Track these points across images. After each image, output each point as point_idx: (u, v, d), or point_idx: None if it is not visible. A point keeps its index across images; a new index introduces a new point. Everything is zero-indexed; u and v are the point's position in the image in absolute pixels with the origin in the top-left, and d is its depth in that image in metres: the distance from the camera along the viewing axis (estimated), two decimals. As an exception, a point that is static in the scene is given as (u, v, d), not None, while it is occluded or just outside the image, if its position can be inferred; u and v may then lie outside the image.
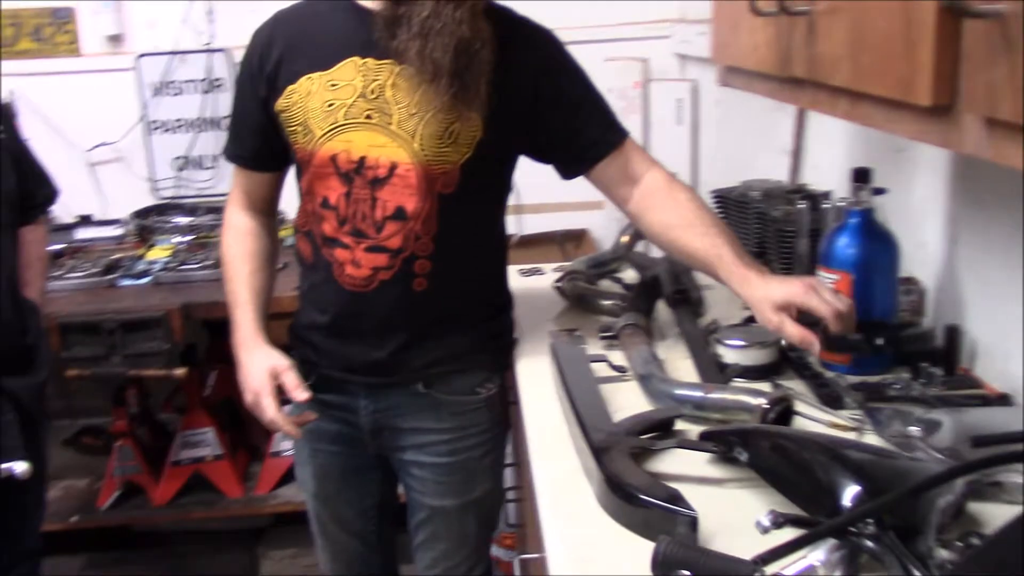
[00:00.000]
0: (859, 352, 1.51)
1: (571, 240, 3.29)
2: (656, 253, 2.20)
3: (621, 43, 3.23)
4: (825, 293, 1.44)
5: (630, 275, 2.15)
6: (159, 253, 3.08)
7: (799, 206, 1.87)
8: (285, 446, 2.95)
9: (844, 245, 1.60)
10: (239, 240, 1.82)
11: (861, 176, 1.58)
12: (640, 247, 2.24)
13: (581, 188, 1.77)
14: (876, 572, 1.03)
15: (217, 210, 3.27)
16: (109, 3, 3.14)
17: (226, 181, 3.26)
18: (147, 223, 3.19)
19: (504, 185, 1.73)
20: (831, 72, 1.03)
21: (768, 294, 1.45)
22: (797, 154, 2.33)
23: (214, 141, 3.27)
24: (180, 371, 2.60)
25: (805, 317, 1.43)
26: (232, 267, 1.80)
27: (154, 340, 2.59)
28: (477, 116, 1.56)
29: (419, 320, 1.65)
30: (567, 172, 1.71)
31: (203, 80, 3.23)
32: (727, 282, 1.54)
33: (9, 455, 2.02)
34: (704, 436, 1.32)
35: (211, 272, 2.81)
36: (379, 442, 1.75)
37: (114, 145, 3.28)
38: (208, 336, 3.04)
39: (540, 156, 1.71)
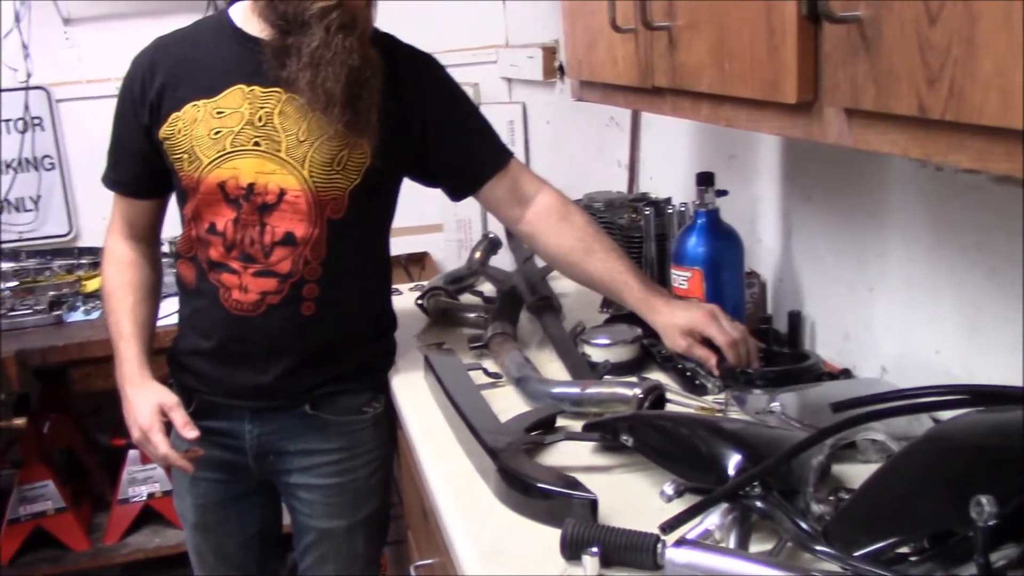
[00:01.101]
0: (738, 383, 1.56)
1: (414, 263, 3.34)
2: (510, 266, 2.29)
3: (452, 69, 3.30)
4: (723, 321, 1.55)
5: (487, 288, 2.22)
6: (-18, 301, 2.93)
7: (644, 213, 1.99)
8: (132, 492, 2.85)
9: (693, 244, 1.72)
10: (121, 271, 1.79)
11: (705, 180, 1.71)
12: (492, 261, 2.32)
13: (419, 212, 1.83)
14: (764, 531, 1.13)
15: (40, 254, 3.14)
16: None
17: (49, 224, 3.19)
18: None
19: (391, 208, 1.77)
20: (694, 80, 1.13)
21: (674, 321, 1.57)
22: (633, 166, 2.47)
23: (34, 182, 3.14)
24: (20, 421, 2.47)
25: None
26: (114, 299, 1.78)
27: (-11, 389, 2.46)
28: (366, 143, 1.59)
29: (307, 343, 1.66)
30: (455, 193, 1.76)
31: (20, 119, 3.10)
32: (634, 308, 1.64)
33: None
34: (588, 428, 1.40)
35: (42, 317, 2.70)
36: (264, 467, 1.74)
37: (-76, 190, 3.10)
38: (41, 384, 2.90)
39: (428, 179, 1.76)
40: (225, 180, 1.60)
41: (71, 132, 3.15)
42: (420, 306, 2.08)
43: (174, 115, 1.63)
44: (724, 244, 1.72)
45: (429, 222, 3.27)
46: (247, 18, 1.63)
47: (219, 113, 1.61)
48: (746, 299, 1.79)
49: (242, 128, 1.59)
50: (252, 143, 1.59)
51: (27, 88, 3.07)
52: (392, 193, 1.76)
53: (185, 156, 1.63)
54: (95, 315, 2.74)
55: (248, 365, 1.67)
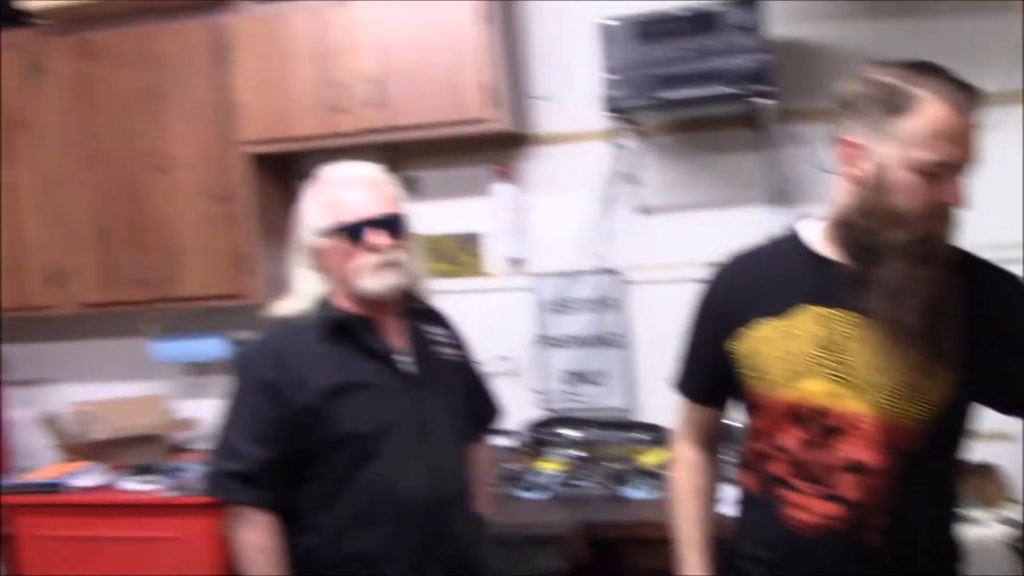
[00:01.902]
0: None
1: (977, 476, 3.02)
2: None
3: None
4: None
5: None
6: (551, 466, 3.18)
7: None
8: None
9: None
10: (687, 475, 1.88)
11: None
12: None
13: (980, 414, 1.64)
14: None
15: (603, 424, 3.35)
16: (514, 229, 3.40)
17: (614, 397, 3.40)
18: (539, 435, 3.32)
19: (966, 437, 1.66)
20: None
21: None
22: None
23: (604, 358, 3.38)
24: (575, 594, 2.62)
25: None
26: (681, 503, 1.86)
27: (556, 558, 2.63)
28: (944, 373, 1.54)
29: (868, 573, 1.60)
30: None
31: (596, 299, 3.38)
32: None
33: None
34: None
35: (605, 491, 2.86)
36: None
37: (511, 359, 3.48)
38: (595, 556, 3.05)
39: (1009, 409, 1.64)
40: (795, 401, 1.61)
41: (639, 313, 3.37)
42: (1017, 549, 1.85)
43: (745, 331, 1.68)
44: None
45: (993, 428, 2.95)
46: (821, 239, 1.65)
47: (790, 333, 1.63)
48: None
49: (813, 350, 1.60)
50: (824, 366, 1.59)
51: (605, 272, 3.35)
52: (968, 422, 1.65)
53: (755, 373, 1.66)
54: (651, 493, 2.84)
55: None
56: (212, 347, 3.66)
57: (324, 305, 2.07)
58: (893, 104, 1.53)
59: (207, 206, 3.40)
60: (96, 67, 3.44)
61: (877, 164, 1.55)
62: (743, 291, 1.72)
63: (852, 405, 1.57)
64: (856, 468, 1.57)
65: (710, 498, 1.87)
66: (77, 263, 3.54)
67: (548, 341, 3.45)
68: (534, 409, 3.48)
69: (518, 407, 3.46)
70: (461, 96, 3.10)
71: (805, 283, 1.64)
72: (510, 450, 3.32)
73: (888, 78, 1.56)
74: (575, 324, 3.42)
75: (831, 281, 1.60)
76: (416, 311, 2.17)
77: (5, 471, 3.73)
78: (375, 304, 2.07)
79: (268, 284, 3.36)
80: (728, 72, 2.72)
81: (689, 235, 3.29)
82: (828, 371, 1.59)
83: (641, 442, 3.23)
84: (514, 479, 3.04)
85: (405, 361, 2.08)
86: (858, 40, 3.07)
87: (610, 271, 3.35)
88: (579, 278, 3.40)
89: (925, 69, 1.56)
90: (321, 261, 2.07)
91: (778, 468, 1.65)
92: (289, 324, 2.06)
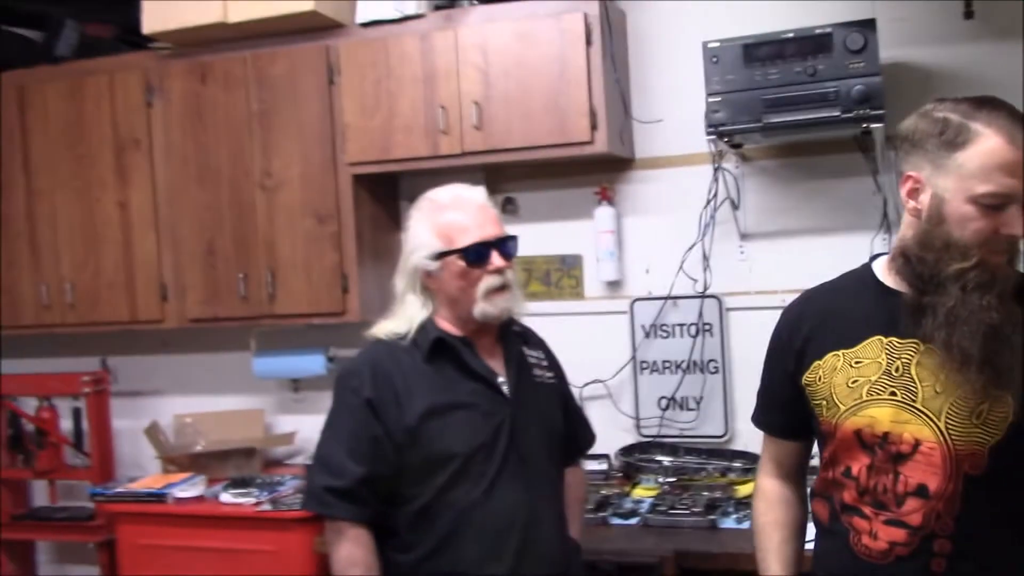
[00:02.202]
0: None
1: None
2: None
3: None
4: None
5: None
6: (644, 492, 3.14)
7: None
8: None
9: None
10: (769, 508, 1.92)
11: None
12: None
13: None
14: None
15: (698, 451, 3.30)
16: (613, 252, 3.38)
17: (709, 424, 3.35)
18: (632, 461, 3.28)
19: None
20: None
21: None
22: None
23: (699, 383, 3.34)
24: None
25: None
26: (763, 536, 1.91)
27: (647, 586, 2.59)
28: (1009, 397, 1.59)
29: None
30: None
31: (693, 324, 3.34)
32: None
33: None
34: None
35: (697, 520, 2.80)
36: None
37: (605, 382, 3.45)
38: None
39: None
40: (861, 427, 1.67)
41: (737, 339, 3.32)
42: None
43: (816, 363, 1.75)
44: None
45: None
46: (887, 271, 1.74)
47: (857, 363, 1.70)
48: None
49: (879, 378, 1.67)
50: (888, 392, 1.65)
51: (703, 296, 3.31)
52: None
53: (824, 402, 1.73)
54: (746, 524, 2.78)
55: None
56: (312, 363, 3.72)
57: (425, 327, 2.08)
58: (950, 138, 1.60)
59: (311, 225, 3.47)
60: (209, 89, 3.55)
61: (934, 196, 1.62)
62: (815, 325, 1.78)
63: (916, 430, 1.62)
64: (920, 493, 1.62)
65: (792, 531, 1.91)
66: (185, 279, 3.64)
67: (644, 365, 3.42)
68: (628, 434, 3.44)
69: (613, 432, 3.45)
70: (564, 118, 3.11)
71: (873, 314, 1.71)
72: (604, 475, 3.29)
73: (947, 113, 1.63)
74: (672, 349, 3.38)
75: (896, 311, 1.67)
76: (513, 333, 2.19)
77: (110, 480, 3.84)
78: (479, 326, 2.09)
79: (367, 303, 3.41)
80: (838, 95, 2.67)
81: (790, 262, 3.24)
82: (892, 397, 1.65)
83: (736, 470, 3.17)
84: (607, 504, 3.01)
85: (503, 382, 2.10)
86: (967, 62, 3.01)
87: (708, 296, 3.31)
88: (677, 303, 3.36)
89: (985, 103, 1.62)
90: (430, 283, 2.09)
91: (847, 496, 1.70)
92: (389, 344, 2.08)
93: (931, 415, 1.62)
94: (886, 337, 1.68)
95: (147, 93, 3.65)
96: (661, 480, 3.18)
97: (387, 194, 3.62)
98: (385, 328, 2.12)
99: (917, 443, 1.62)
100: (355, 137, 3.36)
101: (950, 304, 1.58)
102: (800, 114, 2.73)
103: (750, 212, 3.28)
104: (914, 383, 1.63)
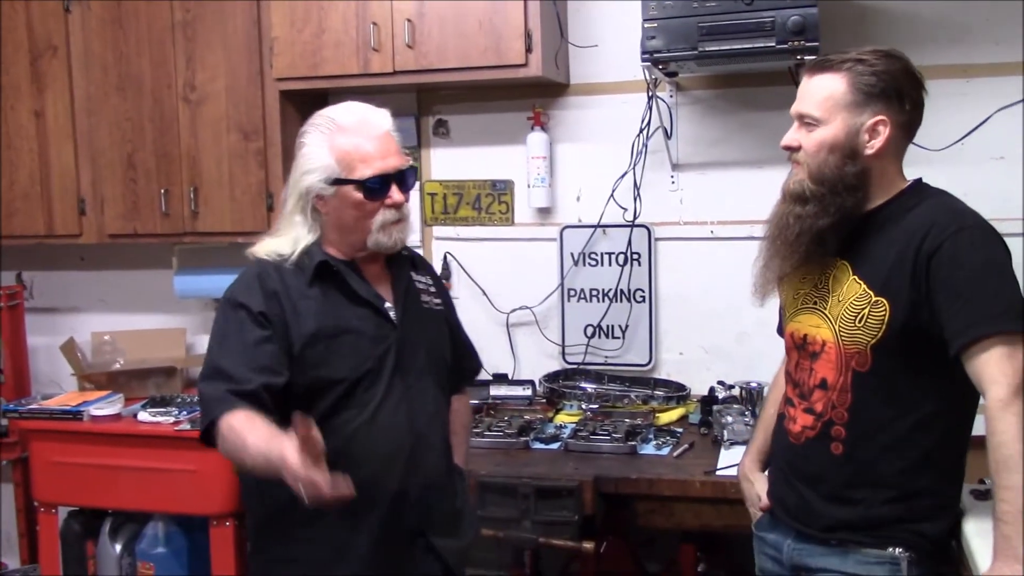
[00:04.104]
0: None
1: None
2: None
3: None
4: None
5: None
6: (567, 418, 3.16)
7: None
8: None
9: None
10: (777, 390, 2.19)
11: None
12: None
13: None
14: None
15: (622, 379, 3.33)
16: (544, 178, 3.35)
17: (634, 352, 3.37)
18: (556, 387, 3.30)
19: (929, 368, 1.80)
20: None
21: None
22: None
23: (626, 312, 3.35)
24: (588, 545, 2.60)
25: None
26: (763, 415, 2.27)
27: (565, 510, 2.61)
28: (885, 302, 1.81)
29: (836, 480, 1.89)
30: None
31: (622, 253, 3.34)
32: None
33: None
34: None
35: (618, 445, 2.83)
36: None
37: (532, 309, 3.45)
38: (605, 506, 3.03)
39: (939, 343, 1.77)
40: (793, 331, 2.01)
41: (664, 269, 3.33)
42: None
43: (785, 278, 2.03)
44: None
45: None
46: None
47: (803, 278, 1.99)
48: None
49: (809, 290, 1.97)
50: (812, 302, 1.95)
51: (632, 225, 3.30)
52: (928, 355, 1.79)
53: (782, 311, 2.11)
54: (665, 451, 2.82)
55: (792, 488, 1.97)
56: None
57: (310, 251, 1.99)
58: None
59: (236, 141, 3.38)
60: (130, -6, 3.42)
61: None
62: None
63: (823, 333, 1.90)
64: (822, 386, 1.90)
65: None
66: (104, 193, 3.53)
67: (572, 293, 3.42)
68: (554, 361, 3.46)
69: (538, 358, 3.47)
70: (498, 40, 3.04)
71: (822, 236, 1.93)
72: (528, 401, 3.30)
73: None
74: (600, 277, 3.38)
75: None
76: (402, 258, 2.13)
77: (24, 396, 3.75)
78: (369, 253, 2.03)
79: (276, 228, 3.33)
80: (774, 25, 2.64)
81: (720, 193, 3.25)
82: (814, 306, 1.94)
83: (658, 398, 3.21)
84: (529, 429, 3.02)
85: (390, 308, 2.04)
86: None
87: (638, 225, 3.30)
88: (606, 231, 3.35)
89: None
90: (321, 207, 1.99)
91: (788, 388, 2.02)
92: (274, 264, 1.99)
93: (832, 319, 1.88)
94: (832, 257, 1.92)
95: (65, -2, 3.50)
96: (584, 407, 3.20)
97: (316, 110, 3.51)
98: (268, 247, 2.02)
99: (824, 343, 1.90)
100: (283, 51, 3.25)
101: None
102: (736, 43, 2.69)
103: (683, 142, 3.27)
104: (828, 294, 1.91)
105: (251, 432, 1.78)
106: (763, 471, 2.17)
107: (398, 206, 1.98)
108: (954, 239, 1.76)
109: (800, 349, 1.96)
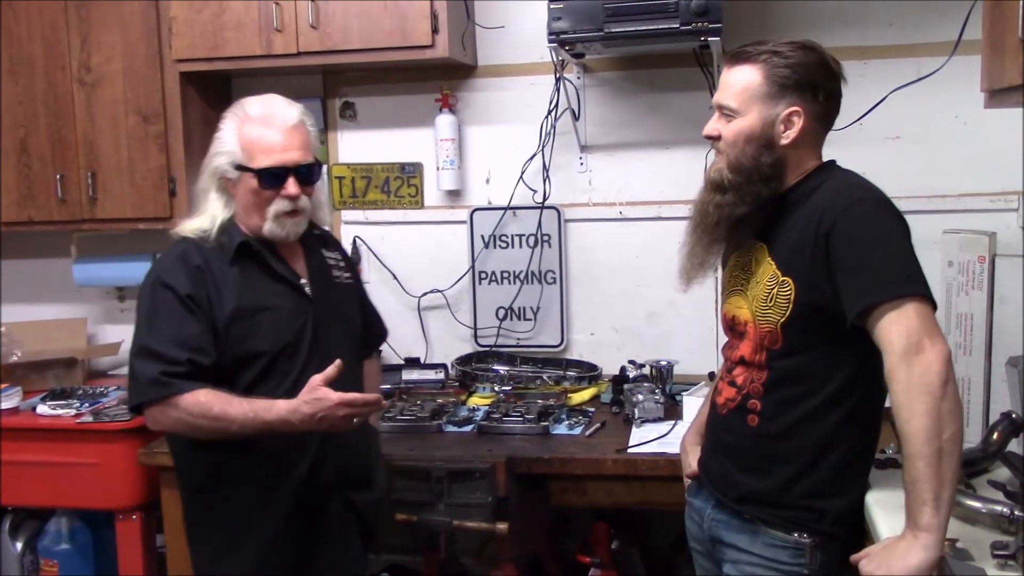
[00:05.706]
0: None
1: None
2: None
3: (962, 215, 3.04)
4: None
5: (1003, 475, 1.96)
6: (479, 400, 3.16)
7: None
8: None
9: None
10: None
11: None
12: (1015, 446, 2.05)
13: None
14: None
15: (534, 360, 3.34)
16: (453, 161, 3.33)
17: (546, 334, 3.38)
18: (468, 370, 3.29)
19: (839, 346, 1.83)
20: None
21: None
22: None
23: (537, 294, 3.36)
24: (502, 526, 2.60)
25: None
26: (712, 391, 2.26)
27: (478, 491, 2.61)
28: (791, 282, 1.86)
29: (752, 452, 1.95)
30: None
31: (532, 235, 3.34)
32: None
33: (354, 568, 2.31)
34: None
35: (531, 426, 2.84)
36: (714, 550, 2.04)
37: (443, 292, 3.44)
38: (520, 487, 3.05)
39: (844, 321, 1.78)
40: (725, 312, 2.08)
41: (574, 250, 3.34)
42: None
43: (729, 261, 2.07)
44: None
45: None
46: None
47: (737, 261, 2.04)
48: None
49: (738, 272, 2.02)
50: (739, 284, 2.01)
51: (542, 207, 3.31)
52: (835, 333, 1.80)
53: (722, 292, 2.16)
54: (577, 431, 2.84)
55: (716, 456, 2.05)
56: (137, 270, 3.46)
57: (228, 229, 2.15)
58: None
59: (135, 124, 3.28)
60: (19, -29, 3.28)
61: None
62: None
63: (745, 313, 1.96)
64: (741, 361, 1.97)
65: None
66: (-5, 179, 3.40)
67: (483, 275, 3.42)
68: (466, 344, 3.45)
69: (450, 341, 3.46)
70: (404, 20, 3.01)
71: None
72: (440, 384, 3.29)
73: None
74: (511, 259, 3.38)
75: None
76: (314, 236, 2.30)
77: (-85, 391, 3.60)
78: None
79: (197, 207, 3.25)
80: (678, 7, 2.67)
81: (628, 174, 3.27)
82: (740, 288, 1.99)
83: (571, 379, 3.23)
84: (442, 412, 3.01)
85: (305, 284, 2.21)
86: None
87: (548, 207, 3.31)
88: (516, 213, 3.36)
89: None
90: (228, 187, 2.15)
91: (721, 366, 2.11)
92: (197, 244, 2.13)
93: (750, 300, 1.94)
94: (752, 240, 1.99)
95: (-52, -27, 3.34)
96: (497, 389, 3.20)
97: (219, 94, 3.44)
98: (190, 226, 2.17)
99: (746, 323, 1.96)
100: (182, 32, 3.16)
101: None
102: (640, 24, 2.71)
103: (591, 124, 3.29)
104: (751, 276, 1.95)
105: (227, 403, 2.00)
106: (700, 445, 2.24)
107: (292, 198, 2.11)
108: (846, 214, 1.79)
109: (731, 330, 2.04)
